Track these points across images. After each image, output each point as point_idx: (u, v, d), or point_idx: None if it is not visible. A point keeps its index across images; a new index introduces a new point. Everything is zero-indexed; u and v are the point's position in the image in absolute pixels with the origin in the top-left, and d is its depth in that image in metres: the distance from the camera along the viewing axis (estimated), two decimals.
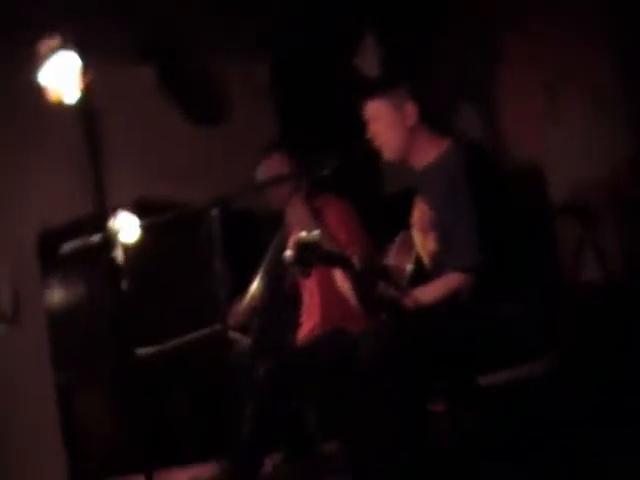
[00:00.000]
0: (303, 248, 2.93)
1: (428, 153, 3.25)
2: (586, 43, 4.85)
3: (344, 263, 3.08)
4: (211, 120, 6.14)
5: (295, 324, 4.24)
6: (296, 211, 4.01)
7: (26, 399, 5.57)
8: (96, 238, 3.77)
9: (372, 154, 3.36)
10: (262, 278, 4.40)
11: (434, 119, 3.30)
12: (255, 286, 4.40)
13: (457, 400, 3.14)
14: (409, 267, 3.32)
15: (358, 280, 3.06)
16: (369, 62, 5.55)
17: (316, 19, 5.76)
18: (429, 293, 3.06)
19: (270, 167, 4.19)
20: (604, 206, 4.62)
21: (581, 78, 4.89)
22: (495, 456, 3.14)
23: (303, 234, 2.96)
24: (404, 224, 3.46)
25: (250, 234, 4.72)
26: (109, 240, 3.34)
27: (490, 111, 5.38)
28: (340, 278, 3.32)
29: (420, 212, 3.30)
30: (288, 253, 2.95)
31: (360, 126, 3.39)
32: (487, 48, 5.41)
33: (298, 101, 6.16)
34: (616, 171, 4.62)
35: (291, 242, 2.98)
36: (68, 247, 3.95)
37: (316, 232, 2.95)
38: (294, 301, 4.29)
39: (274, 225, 4.52)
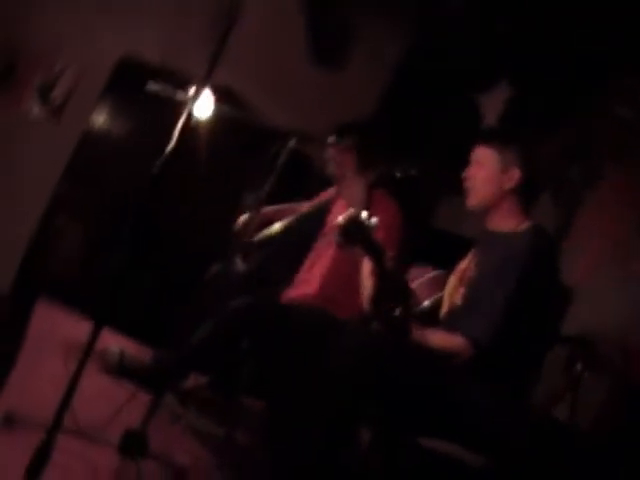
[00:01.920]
0: (356, 224, 2.93)
1: (506, 222, 3.25)
2: None
3: (380, 258, 3.03)
4: (326, 62, 6.13)
5: (290, 278, 4.27)
6: (354, 189, 4.03)
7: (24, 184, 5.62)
8: (180, 95, 3.78)
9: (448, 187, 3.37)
10: (285, 224, 4.40)
11: (528, 194, 3.29)
12: (276, 226, 4.41)
13: (385, 441, 3.16)
14: (426, 303, 3.33)
15: (384, 284, 3.05)
16: (492, 108, 5.53)
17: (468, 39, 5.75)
18: (432, 337, 3.06)
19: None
20: (605, 361, 4.63)
21: None
22: None
23: (362, 212, 2.95)
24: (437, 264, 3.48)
25: (300, 181, 4.70)
26: (184, 103, 3.30)
27: (564, 222, 5.37)
28: (367, 270, 3.25)
29: (467, 264, 3.30)
30: (340, 220, 2.94)
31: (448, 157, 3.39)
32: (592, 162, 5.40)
33: (409, 103, 6.15)
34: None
35: (347, 213, 2.97)
36: (154, 87, 3.95)
37: (374, 220, 2.94)
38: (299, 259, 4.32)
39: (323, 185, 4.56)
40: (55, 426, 2.42)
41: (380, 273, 3.02)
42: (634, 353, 4.63)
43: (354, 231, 2.92)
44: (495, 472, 2.99)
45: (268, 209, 4.27)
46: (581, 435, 4.18)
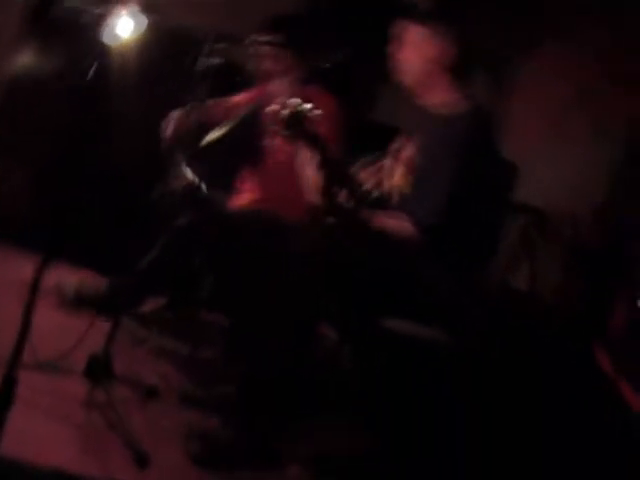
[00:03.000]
0: (299, 115, 2.88)
1: (441, 97, 3.23)
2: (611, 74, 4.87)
3: (325, 149, 3.03)
4: None
5: (230, 188, 4.23)
6: (284, 86, 3.97)
7: None
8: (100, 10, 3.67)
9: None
10: (222, 129, 4.25)
11: (461, 68, 3.26)
12: (213, 133, 4.26)
13: (351, 331, 3.18)
14: (375, 192, 3.31)
15: (331, 175, 3.03)
16: None
17: None
18: (384, 222, 3.06)
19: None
20: (558, 229, 4.68)
21: (594, 104, 4.92)
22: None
23: (304, 105, 2.91)
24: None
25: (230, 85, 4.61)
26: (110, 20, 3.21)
27: (502, 95, 5.37)
28: (312, 164, 3.16)
29: (408, 148, 3.28)
30: (283, 112, 2.89)
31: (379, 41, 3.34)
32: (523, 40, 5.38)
33: None
34: (590, 205, 4.68)
35: (289, 103, 2.92)
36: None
37: (316, 111, 2.90)
38: (238, 166, 4.28)
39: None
40: (14, 362, 2.39)
41: (326, 164, 3.00)
42: (581, 219, 4.69)
43: (297, 122, 2.88)
44: (459, 346, 3.03)
45: (204, 106, 4.18)
46: (541, 303, 4.24)
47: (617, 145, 4.89)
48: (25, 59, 5.33)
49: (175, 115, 4.02)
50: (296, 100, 2.93)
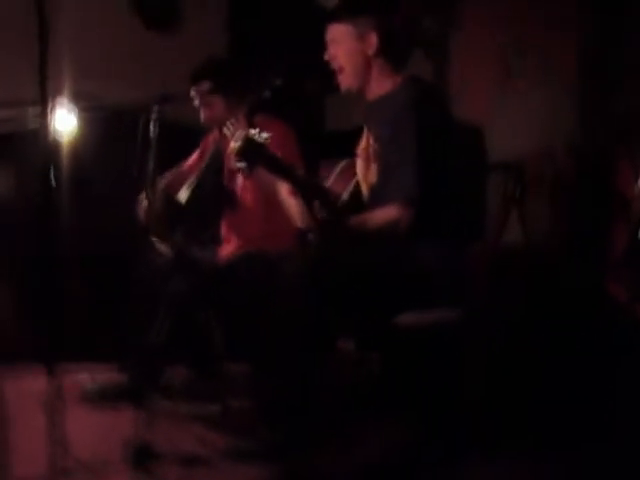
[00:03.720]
0: (251, 143, 2.88)
1: (382, 86, 3.25)
2: (545, 19, 4.88)
3: (288, 171, 3.03)
4: (161, 25, 6.04)
5: (217, 239, 4.24)
6: (235, 126, 3.98)
7: None
8: (32, 123, 3.71)
9: (317, 84, 3.34)
10: (190, 187, 4.29)
11: (392, 53, 3.27)
12: (182, 193, 4.30)
13: (368, 339, 3.17)
14: (345, 195, 3.32)
15: (306, 191, 3.03)
16: None
17: None
18: (369, 220, 3.06)
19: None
20: (538, 174, 4.68)
21: (535, 48, 4.93)
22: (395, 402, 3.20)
23: (252, 131, 2.91)
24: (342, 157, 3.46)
25: (181, 147, 4.63)
26: (45, 128, 3.24)
27: (443, 63, 5.39)
28: (286, 191, 3.23)
29: (365, 142, 3.29)
30: (233, 144, 2.89)
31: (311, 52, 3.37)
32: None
33: (251, 15, 6.12)
34: (556, 146, 4.69)
35: (238, 135, 2.92)
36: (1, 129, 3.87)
37: (265, 134, 2.90)
38: (218, 216, 4.29)
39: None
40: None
41: (297, 184, 3.02)
42: (561, 159, 4.70)
43: (251, 150, 2.88)
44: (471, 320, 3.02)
45: (163, 180, 4.21)
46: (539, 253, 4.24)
47: (568, 77, 4.89)
48: None
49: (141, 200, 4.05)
50: (244, 131, 2.94)
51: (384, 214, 3.05)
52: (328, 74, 3.32)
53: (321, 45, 3.33)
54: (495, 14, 5.14)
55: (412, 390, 3.18)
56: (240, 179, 4.02)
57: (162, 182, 4.15)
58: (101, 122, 4.11)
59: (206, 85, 4.12)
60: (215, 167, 4.24)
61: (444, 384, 3.12)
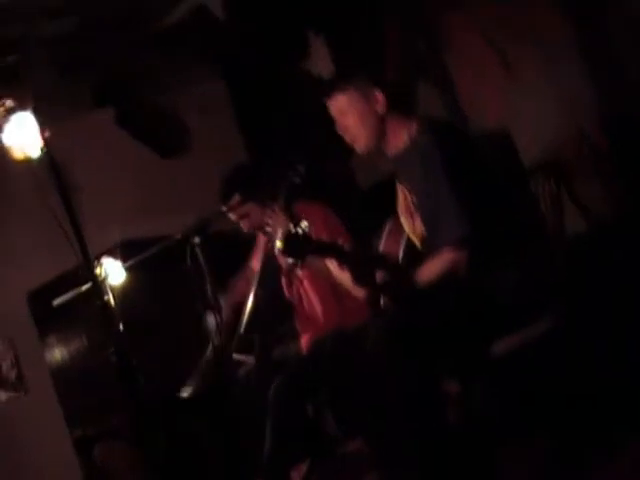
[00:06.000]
0: (292, 237, 2.90)
1: (400, 137, 3.23)
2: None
3: (336, 249, 3.05)
4: (174, 151, 6.17)
5: (293, 334, 4.25)
6: (276, 223, 4.02)
7: (46, 462, 5.58)
8: (85, 287, 3.79)
9: (339, 152, 3.36)
10: (256, 293, 4.31)
11: (399, 103, 3.26)
12: (250, 303, 4.32)
13: (470, 377, 3.14)
14: (401, 254, 3.31)
15: (356, 264, 3.03)
16: (321, 62, 5.57)
17: (262, 31, 5.81)
18: (427, 273, 3.04)
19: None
20: (573, 158, 4.65)
21: (531, 38, 4.93)
22: (511, 437, 3.15)
23: (290, 225, 2.93)
24: (387, 213, 3.47)
25: (234, 256, 4.69)
26: (98, 287, 3.33)
27: (448, 85, 5.41)
28: (336, 268, 3.19)
29: (402, 197, 3.29)
30: (278, 244, 2.91)
31: (322, 127, 3.39)
32: (428, 25, 5.45)
33: (257, 115, 6.21)
34: (579, 123, 4.66)
35: (278, 236, 2.94)
36: (59, 300, 3.95)
37: (304, 223, 2.92)
38: (289, 311, 4.30)
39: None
40: None
41: (346, 259, 3.02)
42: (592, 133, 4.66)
43: (294, 243, 2.90)
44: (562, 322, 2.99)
45: (229, 296, 4.26)
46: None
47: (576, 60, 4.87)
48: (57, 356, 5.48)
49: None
50: (282, 227, 2.96)
51: (440, 262, 3.04)
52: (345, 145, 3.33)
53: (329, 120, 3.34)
54: (482, 19, 5.15)
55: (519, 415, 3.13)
56: (299, 271, 4.03)
57: (230, 291, 4.16)
58: (149, 261, 4.15)
59: (236, 199, 4.14)
60: (273, 266, 4.26)
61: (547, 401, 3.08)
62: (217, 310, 3.79)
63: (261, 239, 4.42)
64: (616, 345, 3.35)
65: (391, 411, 2.92)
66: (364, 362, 2.98)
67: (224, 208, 4.15)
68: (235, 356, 4.05)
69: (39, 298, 5.62)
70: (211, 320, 4.02)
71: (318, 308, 4.12)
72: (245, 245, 4.60)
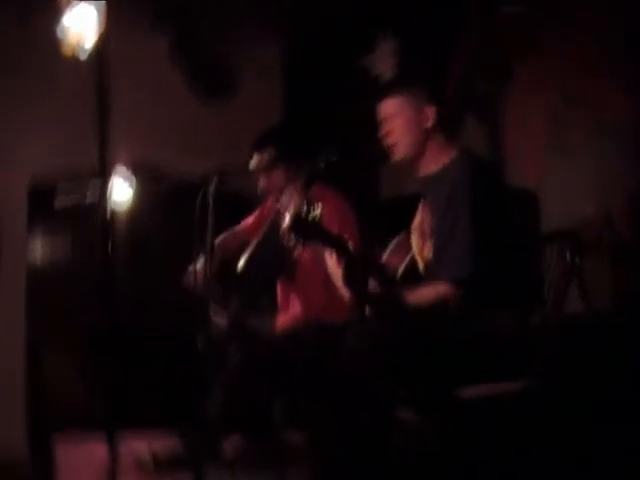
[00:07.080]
0: (302, 220, 2.91)
1: (437, 159, 3.23)
2: (594, 72, 4.85)
3: (340, 245, 3.04)
4: (217, 96, 6.15)
5: (272, 308, 4.24)
6: (291, 196, 4.00)
7: None
8: (91, 196, 3.77)
9: (373, 156, 3.35)
10: (248, 255, 4.29)
11: (446, 125, 3.27)
12: (241, 262, 4.30)
13: (429, 410, 3.13)
14: (401, 269, 3.31)
15: (352, 266, 3.03)
16: (384, 64, 5.56)
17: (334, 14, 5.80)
18: (419, 296, 3.04)
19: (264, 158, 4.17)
20: (596, 240, 4.62)
21: (588, 110, 4.90)
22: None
23: (303, 208, 2.93)
24: (398, 228, 3.46)
25: (238, 218, 4.67)
26: (105, 201, 3.29)
27: (496, 131, 5.38)
28: (333, 262, 3.22)
29: (421, 218, 3.29)
30: (286, 222, 2.92)
31: (361, 127, 3.38)
32: (497, 68, 5.42)
33: (306, 91, 6.20)
34: (614, 207, 4.63)
35: (289, 214, 2.95)
36: (62, 202, 3.93)
37: (317, 209, 2.92)
38: (274, 284, 4.30)
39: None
40: None
41: (346, 258, 3.02)
42: (620, 217, 4.63)
43: (302, 224, 2.91)
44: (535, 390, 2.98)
45: (217, 240, 4.22)
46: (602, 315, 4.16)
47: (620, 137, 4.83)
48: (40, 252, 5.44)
49: (197, 266, 3.98)
50: (296, 206, 2.96)
51: (435, 290, 3.04)
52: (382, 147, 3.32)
53: (374, 117, 3.34)
54: (544, 69, 5.13)
55: (472, 463, 3.12)
56: (297, 251, 4.02)
57: (216, 242, 4.15)
58: (160, 194, 4.13)
59: (269, 153, 4.12)
60: (274, 237, 4.24)
61: (507, 457, 3.07)
62: (210, 259, 3.77)
63: (269, 204, 4.40)
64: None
65: (343, 417, 2.92)
66: (339, 361, 2.98)
67: (254, 157, 4.13)
68: (212, 314, 4.03)
69: (41, 189, 5.58)
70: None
71: (304, 292, 4.12)
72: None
